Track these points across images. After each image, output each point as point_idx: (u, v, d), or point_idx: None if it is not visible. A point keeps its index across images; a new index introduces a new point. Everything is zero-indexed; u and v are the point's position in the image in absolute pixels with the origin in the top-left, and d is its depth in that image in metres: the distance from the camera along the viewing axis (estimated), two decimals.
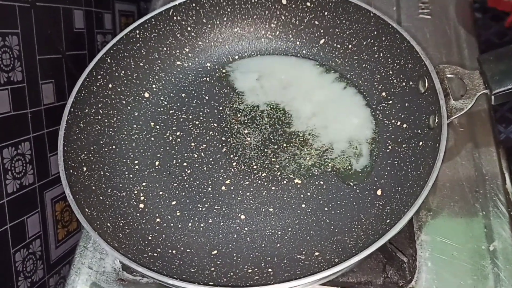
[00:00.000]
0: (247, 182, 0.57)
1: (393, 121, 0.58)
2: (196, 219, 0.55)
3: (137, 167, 0.59)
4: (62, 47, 0.77)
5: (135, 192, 0.57)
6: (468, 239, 0.53)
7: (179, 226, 0.54)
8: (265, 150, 0.59)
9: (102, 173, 0.56)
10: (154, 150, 0.60)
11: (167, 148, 0.60)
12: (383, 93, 0.60)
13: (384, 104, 0.60)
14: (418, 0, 0.75)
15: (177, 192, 0.57)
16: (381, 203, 0.53)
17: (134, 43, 0.62)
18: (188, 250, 0.52)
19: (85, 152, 0.56)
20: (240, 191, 0.56)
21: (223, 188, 0.57)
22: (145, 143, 0.61)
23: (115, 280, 0.55)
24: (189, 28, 0.66)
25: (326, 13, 0.63)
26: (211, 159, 0.59)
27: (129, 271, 0.55)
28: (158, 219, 0.55)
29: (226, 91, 0.65)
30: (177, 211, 0.55)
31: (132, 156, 0.60)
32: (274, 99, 0.63)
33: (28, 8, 0.67)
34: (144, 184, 0.58)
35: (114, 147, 0.59)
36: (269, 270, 0.49)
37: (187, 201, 0.56)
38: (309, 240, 0.52)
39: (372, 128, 0.59)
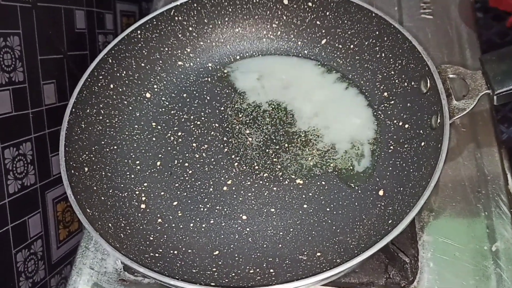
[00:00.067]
0: (249, 183, 0.57)
1: (395, 121, 0.58)
2: (198, 219, 0.55)
3: (138, 167, 0.59)
4: (63, 48, 0.77)
5: (137, 192, 0.57)
6: (470, 240, 0.53)
7: (181, 226, 0.54)
8: (267, 150, 0.59)
9: (103, 173, 0.56)
10: (156, 150, 0.60)
11: (169, 148, 0.60)
12: (385, 93, 0.60)
13: (386, 104, 0.60)
14: (419, 0, 0.74)
15: (178, 192, 0.57)
16: (383, 204, 0.53)
17: (135, 43, 0.62)
18: (189, 251, 0.52)
19: (87, 153, 0.56)
20: (242, 192, 0.56)
21: (225, 188, 0.57)
22: (146, 144, 0.61)
23: (116, 281, 0.55)
24: (190, 28, 0.66)
25: (327, 13, 0.63)
26: (212, 160, 0.59)
27: (131, 272, 0.55)
28: (159, 220, 0.55)
29: (227, 91, 0.65)
30: (179, 212, 0.55)
31: (133, 156, 0.60)
32: (276, 99, 0.63)
33: (30, 8, 0.67)
34: (145, 184, 0.58)
35: (115, 147, 0.59)
36: (271, 270, 0.49)
37: (189, 201, 0.56)
38: (311, 240, 0.52)
39: (374, 128, 0.59)
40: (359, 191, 0.55)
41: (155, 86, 0.64)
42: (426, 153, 0.51)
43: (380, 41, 0.60)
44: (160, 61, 0.65)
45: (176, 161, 0.59)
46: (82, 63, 0.82)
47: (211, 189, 0.57)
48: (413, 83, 0.56)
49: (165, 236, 0.53)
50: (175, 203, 0.56)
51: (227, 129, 0.61)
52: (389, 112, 0.59)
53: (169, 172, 0.58)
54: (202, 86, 0.65)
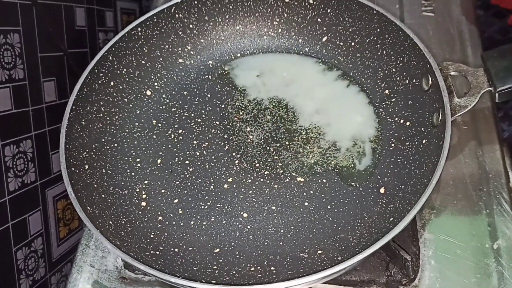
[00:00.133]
0: (250, 180, 0.57)
1: (396, 119, 0.58)
2: (199, 217, 0.54)
3: (139, 165, 0.59)
4: (63, 45, 0.77)
5: (137, 190, 0.57)
6: (472, 237, 0.53)
7: (181, 224, 0.54)
8: (268, 148, 0.59)
9: (104, 171, 0.56)
10: (156, 148, 0.60)
11: (169, 146, 0.60)
12: (386, 91, 0.60)
13: (387, 102, 0.59)
14: None
15: (179, 190, 0.57)
16: (384, 201, 0.52)
17: (136, 40, 0.62)
18: (190, 248, 0.52)
19: (87, 150, 0.56)
20: (243, 189, 0.56)
21: (226, 186, 0.56)
22: (147, 141, 0.61)
23: (117, 278, 0.55)
24: (191, 26, 0.66)
25: (328, 11, 0.63)
26: (213, 157, 0.59)
27: (131, 269, 0.55)
28: (160, 217, 0.55)
29: (228, 88, 0.64)
30: (179, 209, 0.55)
31: (134, 154, 0.59)
32: (277, 96, 0.63)
33: (30, 5, 0.67)
34: (146, 182, 0.57)
35: (116, 145, 0.59)
36: (272, 268, 0.49)
37: (189, 199, 0.56)
38: (312, 238, 0.51)
39: (375, 126, 0.59)
40: (360, 189, 0.54)
41: (155, 84, 0.64)
42: (428, 151, 0.51)
43: (381, 39, 0.60)
44: (161, 59, 0.65)
45: (176, 158, 0.59)
46: (82, 61, 0.82)
47: (211, 187, 0.56)
48: (414, 81, 0.56)
49: (165, 233, 0.53)
50: (175, 200, 0.56)
51: (228, 126, 0.61)
52: (390, 110, 0.59)
53: (170, 169, 0.58)
54: (203, 83, 0.65)
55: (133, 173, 0.58)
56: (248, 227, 0.53)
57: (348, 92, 0.62)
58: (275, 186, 0.56)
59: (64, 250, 0.77)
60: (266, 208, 0.54)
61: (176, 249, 0.52)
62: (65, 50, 0.77)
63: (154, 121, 0.62)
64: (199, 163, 0.58)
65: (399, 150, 0.55)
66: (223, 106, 0.63)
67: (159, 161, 0.59)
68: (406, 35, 0.56)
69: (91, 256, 0.57)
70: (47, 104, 0.72)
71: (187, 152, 0.59)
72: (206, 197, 0.56)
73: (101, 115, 0.59)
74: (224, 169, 0.58)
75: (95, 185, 0.54)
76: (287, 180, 0.56)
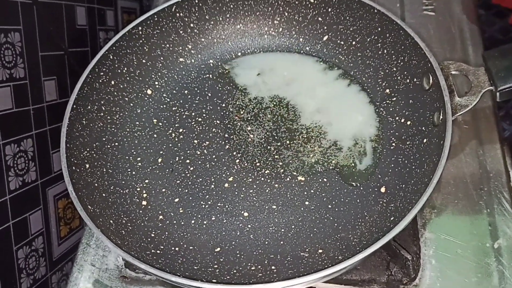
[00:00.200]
0: (250, 179, 0.57)
1: (397, 118, 0.58)
2: (199, 216, 0.54)
3: (139, 164, 0.59)
4: (64, 44, 0.77)
5: (138, 189, 0.57)
6: (473, 237, 0.53)
7: (182, 223, 0.54)
8: (268, 147, 0.59)
9: (104, 170, 0.56)
10: (157, 147, 0.60)
11: (170, 145, 0.60)
12: (387, 90, 0.60)
13: (388, 101, 0.59)
14: None
15: (180, 189, 0.57)
16: (385, 201, 0.52)
17: (136, 39, 0.62)
18: (191, 247, 0.52)
19: (88, 149, 0.56)
20: (243, 188, 0.56)
21: (226, 185, 0.56)
22: (147, 140, 0.61)
23: (117, 277, 0.55)
24: (191, 25, 0.66)
25: (329, 10, 0.63)
26: (214, 156, 0.59)
27: (132, 268, 0.55)
28: (161, 216, 0.55)
29: (229, 88, 0.64)
30: (180, 208, 0.55)
31: (134, 153, 0.59)
32: (277, 95, 0.63)
33: (30, 4, 0.67)
34: (146, 181, 0.57)
35: (116, 144, 0.59)
36: (273, 267, 0.49)
37: (190, 198, 0.56)
38: (313, 237, 0.51)
39: (376, 125, 0.59)
40: (361, 188, 0.54)
41: (156, 83, 0.64)
42: (428, 150, 0.51)
43: (382, 38, 0.60)
44: (161, 58, 0.65)
45: (177, 157, 0.59)
46: (83, 60, 0.82)
47: (212, 186, 0.56)
48: (415, 80, 0.56)
49: (166, 233, 0.53)
50: (176, 200, 0.56)
51: (229, 126, 0.61)
52: (391, 109, 0.59)
53: (171, 169, 0.58)
54: (204, 82, 0.65)
55: (133, 172, 0.58)
56: (249, 226, 0.53)
57: (349, 91, 0.62)
58: (276, 185, 0.56)
59: (65, 249, 0.77)
60: (266, 207, 0.54)
61: (177, 248, 0.52)
62: (66, 49, 0.77)
63: (154, 120, 0.62)
64: (199, 162, 0.58)
65: (400, 149, 0.55)
66: (223, 105, 0.63)
67: (159, 160, 0.59)
68: (407, 34, 0.56)
69: (92, 255, 0.57)
70: (48, 103, 0.72)
71: (188, 151, 0.59)
72: (207, 196, 0.56)
73: (102, 114, 0.59)
74: (224, 168, 0.58)
75: (96, 184, 0.54)
76: (288, 179, 0.56)
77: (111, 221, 0.51)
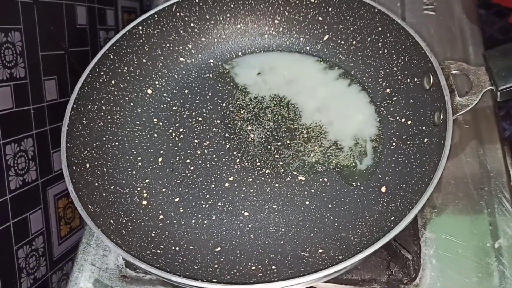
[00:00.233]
0: (251, 179, 0.57)
1: (397, 117, 0.58)
2: (200, 216, 0.54)
3: (140, 163, 0.59)
4: (64, 43, 0.77)
5: (138, 188, 0.57)
6: (473, 237, 0.53)
7: (182, 223, 0.54)
8: (269, 146, 0.59)
9: (105, 169, 0.56)
10: (157, 146, 0.60)
11: (170, 144, 0.60)
12: (388, 90, 0.60)
13: (388, 101, 0.59)
14: None
15: (180, 189, 0.57)
16: (385, 200, 0.52)
17: (137, 39, 0.62)
18: (191, 247, 0.52)
19: (88, 149, 0.56)
20: (244, 188, 0.56)
21: (227, 185, 0.56)
22: (148, 140, 0.61)
23: (118, 277, 0.55)
24: (192, 25, 0.65)
25: (330, 9, 0.63)
26: (214, 156, 0.59)
27: (132, 268, 0.55)
28: (161, 216, 0.55)
29: (229, 87, 0.64)
30: (180, 208, 0.55)
31: (135, 152, 0.59)
32: (278, 95, 0.63)
33: (31, 4, 0.67)
34: (147, 180, 0.57)
35: (117, 143, 0.59)
36: (273, 267, 0.49)
37: (190, 198, 0.56)
38: (313, 237, 0.51)
39: (377, 125, 0.59)
40: (362, 188, 0.54)
41: (156, 82, 0.64)
42: (429, 150, 0.51)
43: (382, 37, 0.60)
44: (162, 57, 0.65)
45: (177, 157, 0.59)
46: (83, 59, 0.82)
47: (213, 186, 0.56)
48: (416, 79, 0.56)
49: (166, 232, 0.53)
50: (176, 199, 0.56)
51: (229, 125, 0.61)
52: (391, 109, 0.59)
53: (171, 168, 0.58)
54: (204, 82, 0.65)
55: (134, 172, 0.58)
56: (249, 226, 0.53)
57: (349, 91, 0.62)
58: (276, 185, 0.56)
59: (65, 249, 0.77)
60: (267, 207, 0.54)
61: (177, 248, 0.52)
62: (66, 49, 0.77)
63: (155, 120, 0.62)
64: (200, 161, 0.58)
65: (401, 149, 0.55)
66: (224, 104, 0.63)
67: (160, 159, 0.59)
68: (408, 33, 0.56)
69: (92, 255, 0.57)
70: (48, 103, 0.72)
71: (188, 151, 0.59)
72: (207, 196, 0.56)
73: (102, 113, 0.59)
74: (225, 168, 0.58)
75: (96, 184, 0.54)
76: (288, 179, 0.56)
77: (112, 221, 0.51)
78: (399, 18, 0.57)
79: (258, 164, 0.58)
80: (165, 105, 0.63)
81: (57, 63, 0.75)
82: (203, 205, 0.55)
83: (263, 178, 0.57)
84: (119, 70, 0.61)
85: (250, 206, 0.55)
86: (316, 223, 0.52)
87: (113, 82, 0.60)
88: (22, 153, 0.66)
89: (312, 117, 0.61)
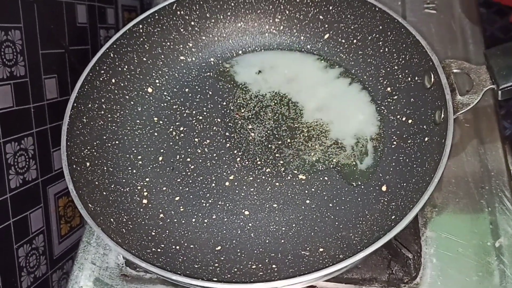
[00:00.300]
0: (251, 178, 0.57)
1: (398, 116, 0.58)
2: (200, 214, 0.54)
3: (140, 162, 0.59)
4: (65, 42, 0.76)
5: (139, 187, 0.57)
6: (474, 236, 0.53)
7: (183, 221, 0.54)
8: (269, 145, 0.59)
9: (105, 168, 0.56)
10: (158, 145, 0.60)
11: (171, 143, 0.60)
12: (388, 88, 0.60)
13: (389, 100, 0.59)
14: None
15: (180, 187, 0.57)
16: (386, 199, 0.52)
17: (137, 37, 0.62)
18: (191, 246, 0.52)
19: (88, 147, 0.56)
20: (244, 187, 0.56)
21: (227, 183, 0.56)
22: (148, 139, 0.60)
23: (118, 276, 0.55)
24: (192, 23, 0.65)
25: (330, 8, 0.63)
26: (214, 155, 0.59)
27: (133, 267, 0.55)
28: (161, 215, 0.55)
29: (229, 86, 0.64)
30: (181, 207, 0.55)
31: (135, 151, 0.59)
32: (278, 94, 0.63)
33: (31, 2, 0.67)
34: (147, 179, 0.57)
35: (117, 142, 0.59)
36: (273, 266, 0.49)
37: (191, 196, 0.56)
38: (314, 236, 0.51)
39: (377, 124, 0.59)
40: (362, 187, 0.54)
41: (157, 81, 0.64)
42: (430, 149, 0.51)
43: (383, 36, 0.59)
44: (162, 56, 0.65)
45: (178, 156, 0.59)
46: (83, 58, 0.82)
47: (213, 184, 0.56)
48: (416, 78, 0.56)
49: (167, 231, 0.53)
50: (177, 198, 0.56)
51: (230, 124, 0.61)
52: (392, 108, 0.59)
53: (171, 167, 0.58)
54: (204, 81, 0.65)
55: (134, 171, 0.58)
56: (250, 224, 0.53)
57: (350, 90, 0.62)
58: (277, 183, 0.56)
59: (65, 248, 0.77)
60: (267, 206, 0.54)
61: (178, 247, 0.52)
62: (67, 47, 0.77)
63: (155, 119, 0.62)
64: (200, 160, 0.58)
65: (401, 148, 0.55)
66: (224, 103, 0.63)
67: (160, 158, 0.59)
68: (408, 32, 0.55)
69: (92, 254, 0.57)
70: (48, 101, 0.72)
71: (189, 150, 0.59)
72: (208, 195, 0.56)
73: (103, 112, 0.59)
74: (225, 166, 0.58)
75: (97, 183, 0.54)
76: (289, 177, 0.56)
77: (112, 220, 0.51)
78: (400, 17, 0.57)
79: (259, 163, 0.58)
80: (165, 104, 0.63)
81: (57, 62, 0.75)
82: (204, 204, 0.55)
83: (263, 177, 0.56)
84: (120, 69, 0.61)
85: (250, 205, 0.54)
86: (317, 222, 0.52)
87: (113, 80, 0.60)
88: (22, 152, 0.66)
89: (312, 116, 0.60)
